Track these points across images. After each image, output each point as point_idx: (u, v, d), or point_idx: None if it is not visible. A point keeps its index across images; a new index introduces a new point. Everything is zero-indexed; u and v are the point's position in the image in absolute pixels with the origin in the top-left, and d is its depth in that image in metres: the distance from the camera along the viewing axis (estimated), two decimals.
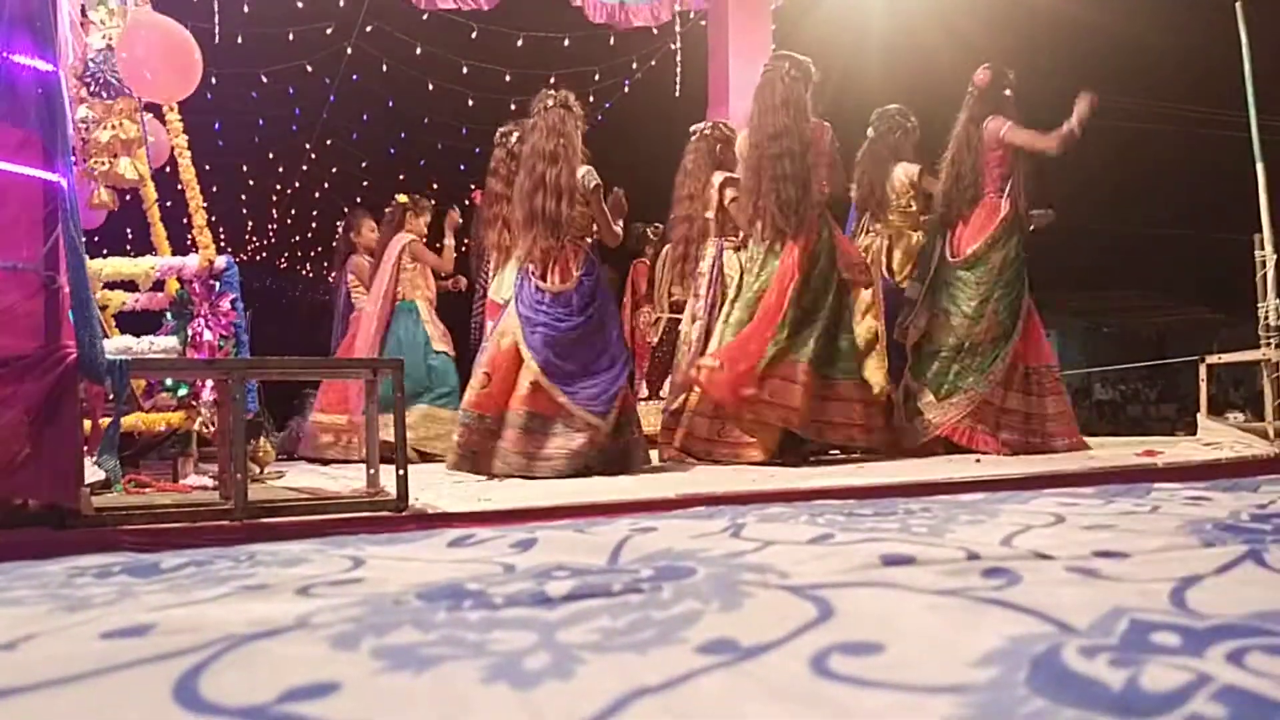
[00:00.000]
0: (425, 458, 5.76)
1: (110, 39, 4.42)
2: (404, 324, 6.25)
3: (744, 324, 4.53)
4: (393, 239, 6.36)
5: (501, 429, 4.22)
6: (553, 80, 4.69)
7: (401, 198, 6.52)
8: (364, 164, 11.40)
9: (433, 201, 6.76)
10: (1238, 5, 5.49)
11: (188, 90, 4.36)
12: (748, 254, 4.74)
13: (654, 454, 4.64)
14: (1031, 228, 4.93)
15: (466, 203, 9.64)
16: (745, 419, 4.49)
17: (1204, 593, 0.93)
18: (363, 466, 3.48)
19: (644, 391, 6.76)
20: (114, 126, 4.43)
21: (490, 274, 5.69)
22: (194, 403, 4.08)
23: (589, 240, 4.40)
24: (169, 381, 4.11)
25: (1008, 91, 4.91)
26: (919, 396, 4.84)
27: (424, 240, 6.50)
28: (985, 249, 4.77)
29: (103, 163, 4.44)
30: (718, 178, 5.04)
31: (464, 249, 6.77)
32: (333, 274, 8.05)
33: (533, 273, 4.32)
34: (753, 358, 4.39)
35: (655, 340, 6.80)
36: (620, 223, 4.50)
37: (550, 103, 4.41)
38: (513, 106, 7.89)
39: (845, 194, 5.50)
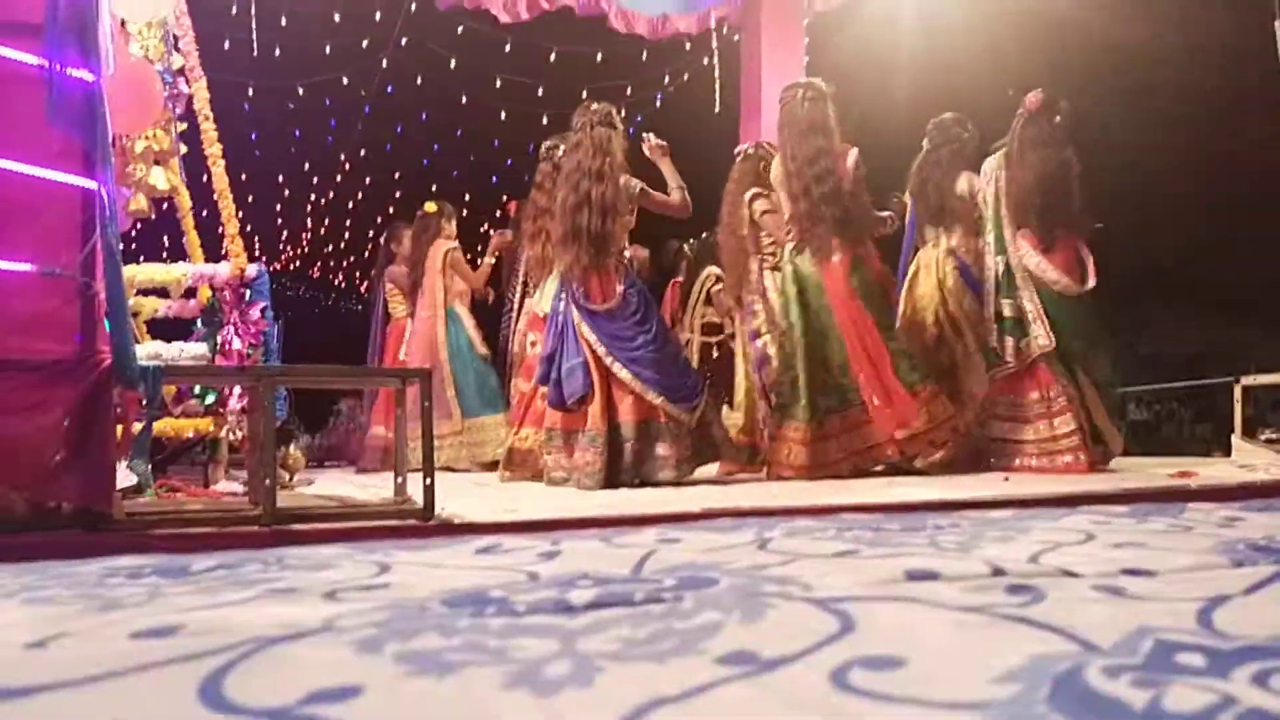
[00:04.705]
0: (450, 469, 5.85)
1: (148, 50, 4.48)
2: (450, 330, 6.34)
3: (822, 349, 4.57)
4: (432, 247, 6.44)
5: (608, 443, 4.25)
6: (585, 95, 4.70)
7: (430, 206, 6.58)
8: (397, 175, 11.51)
9: (464, 212, 6.84)
10: (1277, 25, 5.44)
11: (146, 123, 4.36)
12: (792, 270, 4.71)
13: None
14: None
15: (498, 214, 9.71)
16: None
17: (1231, 613, 0.92)
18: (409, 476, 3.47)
19: None
20: (148, 137, 4.50)
21: (530, 287, 5.74)
22: (221, 410, 4.12)
23: (625, 253, 4.42)
24: (197, 388, 4.15)
25: (1057, 119, 4.83)
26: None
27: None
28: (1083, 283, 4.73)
29: (140, 169, 4.51)
30: (748, 195, 5.04)
31: (496, 259, 6.82)
32: (368, 284, 8.16)
33: (576, 291, 4.34)
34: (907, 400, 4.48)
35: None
36: (681, 192, 4.46)
37: (595, 119, 4.43)
38: (545, 120, 7.94)
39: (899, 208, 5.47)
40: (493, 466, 5.87)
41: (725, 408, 5.89)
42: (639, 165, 4.51)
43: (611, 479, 4.20)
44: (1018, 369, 4.75)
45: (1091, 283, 4.67)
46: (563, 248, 4.39)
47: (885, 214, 4.77)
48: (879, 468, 4.59)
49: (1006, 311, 4.77)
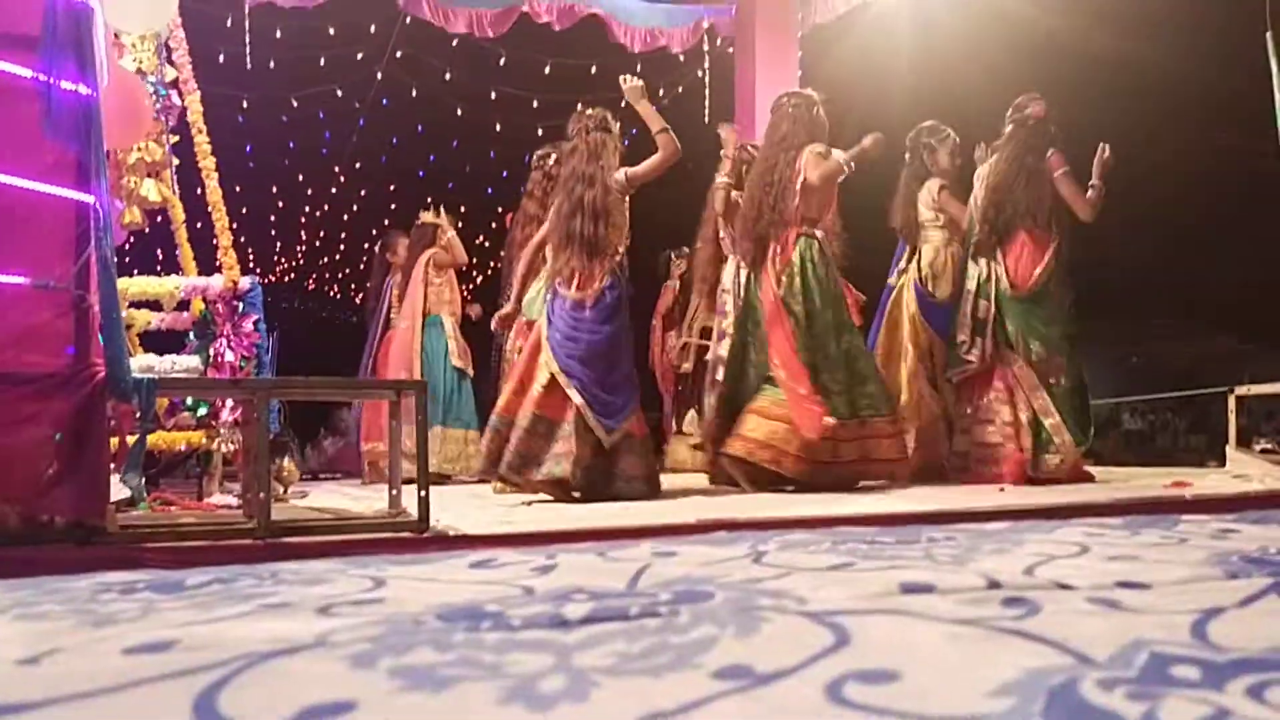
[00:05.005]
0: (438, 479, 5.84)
1: (141, 62, 4.48)
2: (429, 337, 6.36)
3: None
4: (420, 256, 6.46)
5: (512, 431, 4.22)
6: (580, 106, 4.70)
7: (427, 215, 6.60)
8: (392, 187, 11.51)
9: (460, 224, 6.85)
10: (1269, 35, 5.46)
11: (136, 137, 4.35)
12: (745, 276, 4.74)
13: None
14: (1094, 181, 4.80)
15: (494, 225, 9.71)
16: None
17: (1226, 625, 0.92)
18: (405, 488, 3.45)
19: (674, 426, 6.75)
20: (140, 149, 4.49)
21: (514, 294, 5.75)
22: (214, 422, 4.11)
23: (616, 258, 4.41)
24: (189, 400, 4.14)
25: (1053, 127, 4.89)
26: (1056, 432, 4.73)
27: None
28: (1046, 280, 4.75)
29: (133, 181, 4.51)
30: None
31: (492, 270, 6.85)
32: (364, 294, 8.15)
33: (558, 285, 4.35)
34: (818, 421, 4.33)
35: (687, 367, 6.77)
36: (666, 132, 4.39)
37: (591, 124, 4.44)
38: (540, 131, 7.95)
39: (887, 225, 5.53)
40: (440, 480, 5.88)
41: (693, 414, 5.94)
42: (638, 157, 4.50)
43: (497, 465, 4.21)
44: (980, 372, 4.82)
45: (1030, 285, 4.73)
46: (558, 252, 4.40)
47: (849, 156, 4.54)
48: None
49: (981, 313, 4.84)
